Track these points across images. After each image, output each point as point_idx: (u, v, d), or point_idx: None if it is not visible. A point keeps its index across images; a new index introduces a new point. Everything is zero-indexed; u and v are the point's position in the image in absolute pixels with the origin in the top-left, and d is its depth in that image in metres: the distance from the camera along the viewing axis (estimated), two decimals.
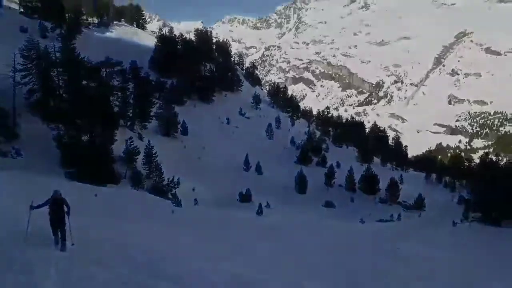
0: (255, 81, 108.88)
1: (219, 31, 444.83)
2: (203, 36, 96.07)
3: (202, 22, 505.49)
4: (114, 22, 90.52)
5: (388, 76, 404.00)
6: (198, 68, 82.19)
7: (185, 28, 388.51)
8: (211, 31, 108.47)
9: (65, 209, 10.87)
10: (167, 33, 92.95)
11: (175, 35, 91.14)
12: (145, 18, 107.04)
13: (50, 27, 63.10)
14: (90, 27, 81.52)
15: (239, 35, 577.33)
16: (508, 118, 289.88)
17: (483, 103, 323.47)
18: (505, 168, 44.74)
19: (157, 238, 15.95)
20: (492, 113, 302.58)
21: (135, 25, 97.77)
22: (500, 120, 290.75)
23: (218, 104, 77.39)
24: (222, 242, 17.84)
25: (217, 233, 20.50)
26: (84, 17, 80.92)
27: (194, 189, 42.23)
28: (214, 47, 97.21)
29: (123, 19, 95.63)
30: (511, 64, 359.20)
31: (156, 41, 78.96)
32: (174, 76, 72.64)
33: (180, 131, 58.26)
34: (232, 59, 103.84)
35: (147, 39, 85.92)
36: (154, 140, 44.66)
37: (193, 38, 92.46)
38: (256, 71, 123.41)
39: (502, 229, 31.06)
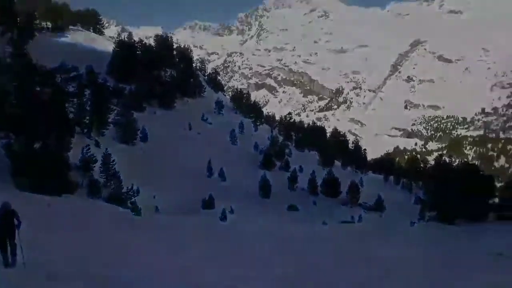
0: (218, 87, 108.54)
1: (180, 37, 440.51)
2: (164, 41, 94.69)
3: (162, 28, 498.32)
4: (70, 27, 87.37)
5: (347, 82, 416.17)
6: (159, 74, 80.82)
7: (145, 33, 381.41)
8: (171, 37, 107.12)
9: (16, 222, 10.19)
10: (126, 39, 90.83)
11: (134, 40, 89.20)
12: (102, 23, 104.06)
13: (0, 31, 59.93)
14: (44, 31, 78.18)
15: (200, 41, 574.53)
16: (460, 121, 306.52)
17: (436, 107, 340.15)
18: (457, 169, 47.05)
19: (115, 249, 15.36)
20: (445, 117, 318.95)
21: (92, 30, 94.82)
22: (452, 124, 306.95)
23: (179, 110, 76.33)
24: (183, 250, 17.46)
25: (177, 241, 20.06)
26: (38, 21, 77.49)
27: (155, 197, 41.25)
28: (175, 53, 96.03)
29: (79, 24, 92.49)
30: (461, 71, 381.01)
31: (114, 46, 76.93)
32: (133, 82, 70.98)
33: (140, 138, 56.88)
34: (194, 65, 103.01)
35: (105, 44, 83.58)
36: (112, 148, 43.30)
37: (153, 44, 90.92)
38: (219, 77, 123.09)
39: (455, 228, 32.52)
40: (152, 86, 73.28)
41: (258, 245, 21.02)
